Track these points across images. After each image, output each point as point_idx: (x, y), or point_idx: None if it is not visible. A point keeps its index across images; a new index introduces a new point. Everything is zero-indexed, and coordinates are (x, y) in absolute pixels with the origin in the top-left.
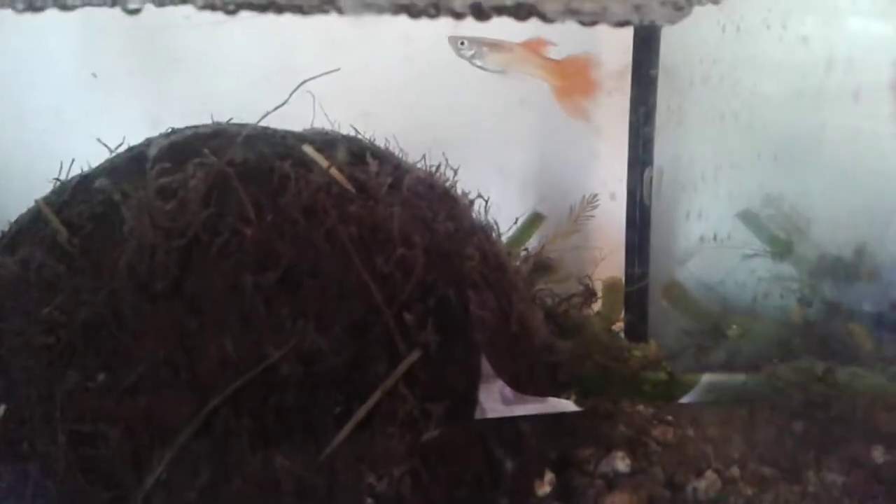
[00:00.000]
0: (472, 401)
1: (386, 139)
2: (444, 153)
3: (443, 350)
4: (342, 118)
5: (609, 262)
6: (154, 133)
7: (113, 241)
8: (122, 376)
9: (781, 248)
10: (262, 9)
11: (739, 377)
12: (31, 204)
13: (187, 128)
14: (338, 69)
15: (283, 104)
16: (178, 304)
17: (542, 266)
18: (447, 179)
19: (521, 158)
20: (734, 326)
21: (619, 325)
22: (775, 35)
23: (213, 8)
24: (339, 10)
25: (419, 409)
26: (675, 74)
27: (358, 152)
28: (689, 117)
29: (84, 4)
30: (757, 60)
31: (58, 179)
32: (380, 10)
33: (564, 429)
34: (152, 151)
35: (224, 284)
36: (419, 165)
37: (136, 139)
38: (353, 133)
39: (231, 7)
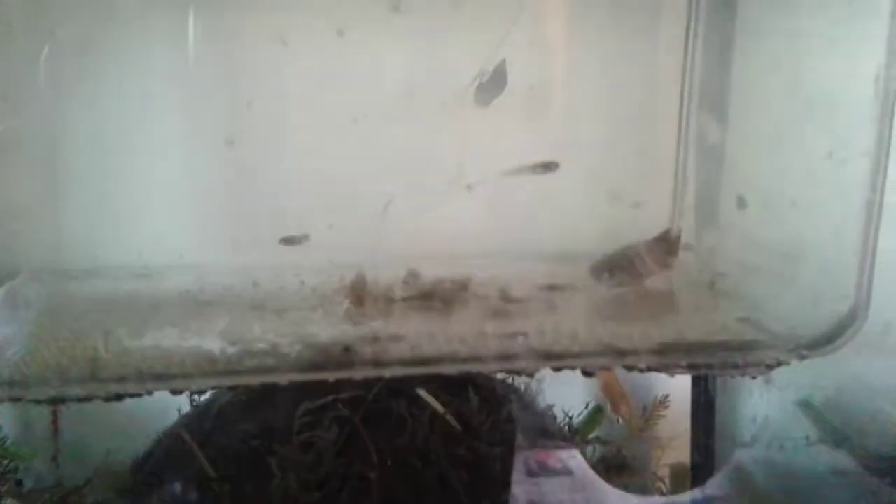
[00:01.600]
0: None
1: None
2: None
3: None
4: None
5: (673, 448)
6: None
7: (258, 486)
8: None
9: (838, 438)
10: None
11: None
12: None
13: None
14: None
15: None
16: None
17: (618, 465)
18: (534, 392)
19: None
20: None
21: None
22: None
23: None
24: None
25: None
26: None
27: (458, 380)
28: None
29: None
30: None
31: (195, 403)
32: None
33: None
34: (299, 412)
35: None
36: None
37: None
38: None
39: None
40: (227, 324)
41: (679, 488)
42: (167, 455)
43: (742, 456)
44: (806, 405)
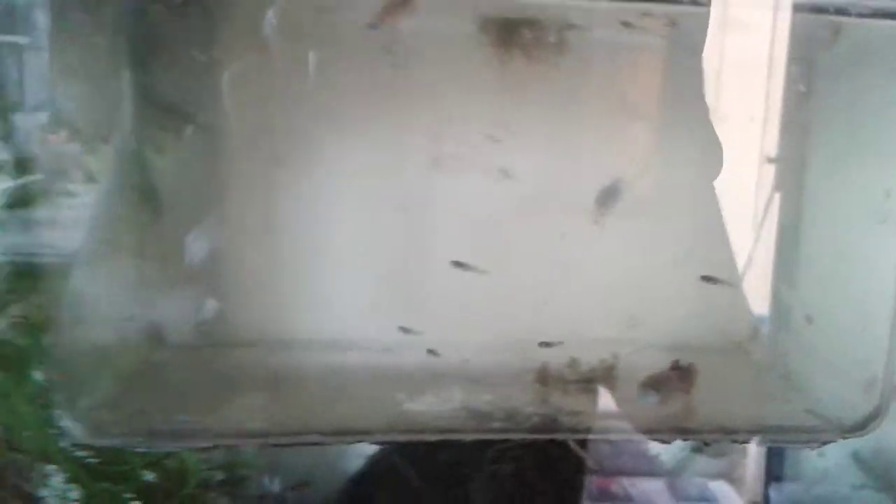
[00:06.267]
0: None
1: None
2: None
3: None
4: None
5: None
6: None
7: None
8: None
9: (882, 485)
10: None
11: None
12: None
13: None
14: None
15: None
16: None
17: None
18: None
19: None
20: None
21: None
22: None
23: None
24: None
25: None
26: None
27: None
28: None
29: None
30: None
31: None
32: None
33: None
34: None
35: None
36: None
37: None
38: None
39: None
40: (465, 395)
41: None
42: (381, 473)
43: (800, 494)
44: (857, 456)
